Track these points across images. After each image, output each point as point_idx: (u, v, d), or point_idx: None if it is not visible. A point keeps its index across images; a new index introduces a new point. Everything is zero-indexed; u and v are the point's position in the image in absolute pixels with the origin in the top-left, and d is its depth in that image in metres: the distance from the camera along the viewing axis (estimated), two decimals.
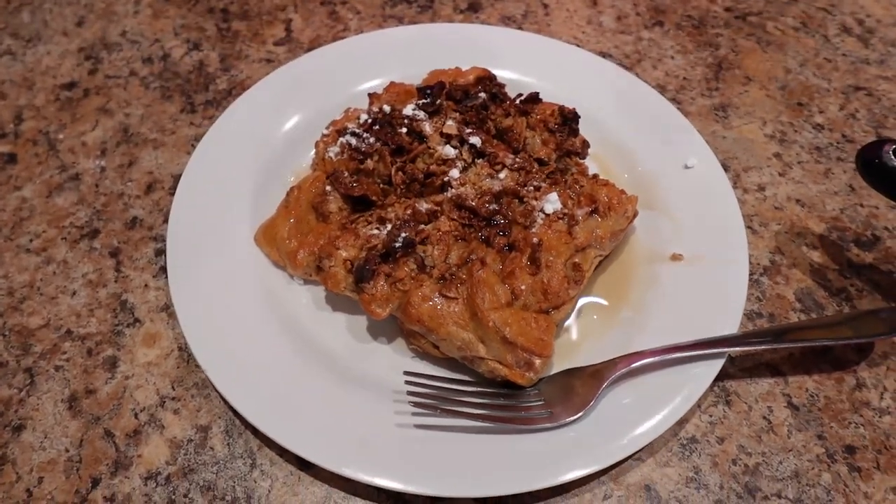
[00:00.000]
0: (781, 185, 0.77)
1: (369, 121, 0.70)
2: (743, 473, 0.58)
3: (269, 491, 0.57)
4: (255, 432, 0.59)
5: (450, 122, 0.68)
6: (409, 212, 0.63)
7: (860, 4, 0.95)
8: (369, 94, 0.74)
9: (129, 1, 0.92)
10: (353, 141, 0.69)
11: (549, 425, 0.56)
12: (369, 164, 0.68)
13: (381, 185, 0.67)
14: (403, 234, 0.60)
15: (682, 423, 0.61)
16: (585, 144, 0.72)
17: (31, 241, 0.70)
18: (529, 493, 0.56)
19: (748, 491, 0.57)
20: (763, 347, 0.61)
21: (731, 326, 0.61)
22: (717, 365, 0.59)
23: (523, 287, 0.59)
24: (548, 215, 0.63)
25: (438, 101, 0.70)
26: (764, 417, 0.61)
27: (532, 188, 0.65)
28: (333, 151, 0.70)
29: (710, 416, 0.61)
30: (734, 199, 0.70)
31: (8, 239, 0.70)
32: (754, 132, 0.81)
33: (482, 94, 0.71)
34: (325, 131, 0.72)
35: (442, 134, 0.68)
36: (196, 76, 0.84)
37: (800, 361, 0.64)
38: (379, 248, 0.61)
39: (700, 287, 0.65)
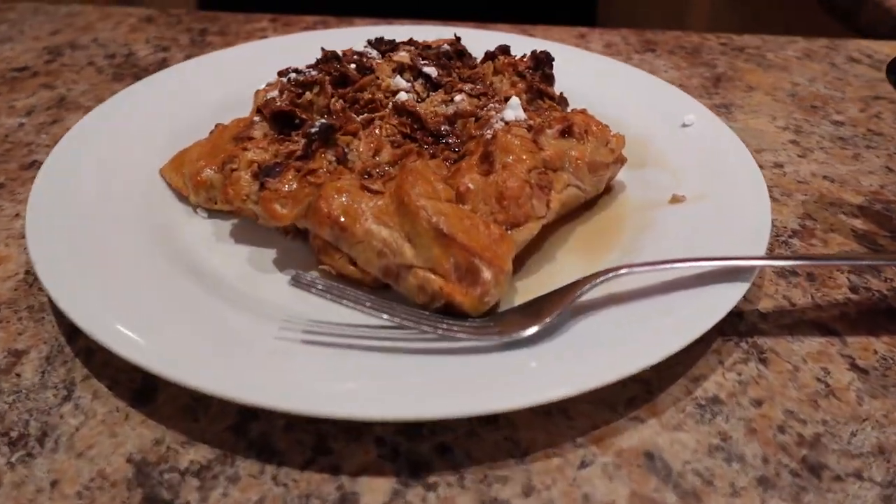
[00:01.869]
0: (803, 164, 0.64)
1: (316, 60, 0.62)
2: (797, 445, 0.38)
3: (78, 429, 0.38)
4: (87, 360, 0.42)
5: (402, 53, 0.60)
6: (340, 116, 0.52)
7: (864, 44, 0.90)
8: (322, 48, 0.67)
9: (110, 20, 0.92)
10: (294, 76, 0.60)
11: (484, 340, 0.39)
12: (308, 96, 0.58)
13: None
14: (322, 121, 0.48)
15: (697, 379, 0.42)
16: (563, 100, 0.62)
17: None
18: (454, 447, 0.37)
19: (809, 468, 0.37)
20: (797, 263, 0.45)
21: (757, 251, 0.45)
22: (738, 288, 0.42)
23: (471, 185, 0.46)
24: (507, 123, 0.51)
25: (395, 41, 0.63)
26: (818, 379, 0.42)
27: (492, 106, 0.54)
28: (273, 95, 0.61)
29: (739, 374, 0.42)
30: (742, 145, 0.57)
31: None
32: (764, 125, 0.71)
33: (447, 46, 0.64)
34: (270, 80, 0.64)
35: (393, 64, 0.59)
36: (155, 67, 0.79)
37: (857, 320, 0.46)
38: (297, 153, 0.49)
39: (709, 221, 0.50)
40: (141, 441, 0.38)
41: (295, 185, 0.46)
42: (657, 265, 0.42)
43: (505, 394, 0.36)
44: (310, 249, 0.49)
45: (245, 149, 0.50)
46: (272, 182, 0.47)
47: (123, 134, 0.60)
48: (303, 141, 0.50)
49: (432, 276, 0.42)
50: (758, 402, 0.41)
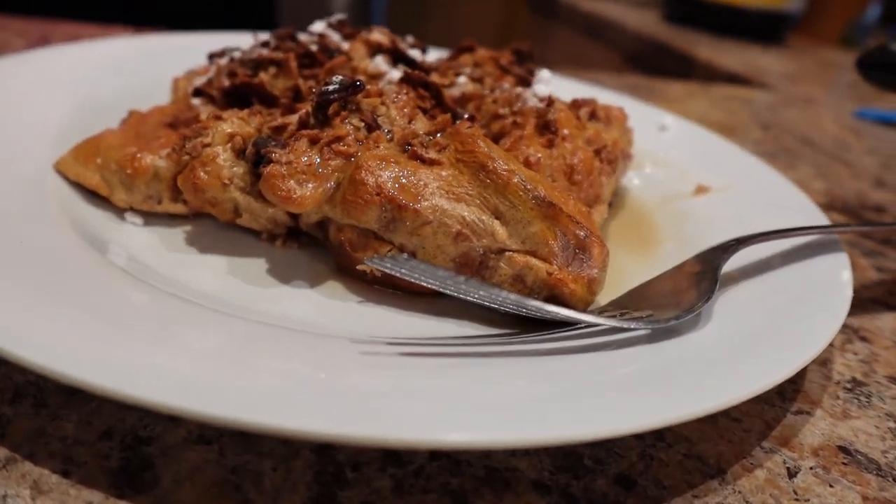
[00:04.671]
0: None
1: (264, 40, 0.49)
2: None
3: None
4: (2, 435, 0.24)
5: (377, 35, 0.50)
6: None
7: (723, 88, 1.00)
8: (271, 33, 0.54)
9: None
10: (239, 55, 0.47)
11: (633, 327, 0.29)
12: (263, 77, 0.45)
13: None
14: (341, 77, 0.36)
15: (824, 363, 0.37)
16: None
17: None
18: (635, 477, 0.27)
19: None
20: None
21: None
22: (840, 259, 0.38)
23: (539, 155, 0.37)
24: (544, 98, 0.43)
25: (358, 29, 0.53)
26: None
27: (505, 87, 0.46)
28: (202, 81, 0.47)
29: (855, 353, 0.38)
30: (727, 142, 0.57)
31: None
32: None
33: (411, 39, 0.55)
34: (193, 68, 0.50)
35: (369, 45, 0.49)
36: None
37: None
38: (302, 117, 0.36)
39: (752, 204, 0.47)
40: None
41: (315, 157, 0.33)
42: (780, 234, 0.37)
43: (690, 395, 0.26)
44: (328, 252, 0.35)
45: (219, 117, 0.36)
46: (281, 153, 0.33)
47: None
48: (314, 102, 0.37)
49: (536, 262, 0.32)
50: (894, 379, 0.36)
